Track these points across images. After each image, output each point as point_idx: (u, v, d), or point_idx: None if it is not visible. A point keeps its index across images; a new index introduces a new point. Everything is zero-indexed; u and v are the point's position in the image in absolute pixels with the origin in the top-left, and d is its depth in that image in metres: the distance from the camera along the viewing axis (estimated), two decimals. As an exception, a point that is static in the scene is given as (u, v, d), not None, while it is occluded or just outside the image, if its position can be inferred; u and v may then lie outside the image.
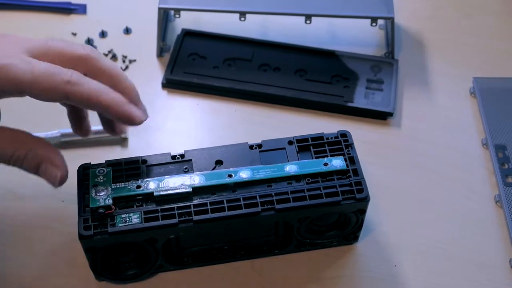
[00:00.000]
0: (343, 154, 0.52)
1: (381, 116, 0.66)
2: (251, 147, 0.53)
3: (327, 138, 0.53)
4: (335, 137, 0.53)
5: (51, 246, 0.56)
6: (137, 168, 0.51)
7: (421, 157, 0.64)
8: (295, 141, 0.53)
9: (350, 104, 0.66)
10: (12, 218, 0.57)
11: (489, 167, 0.63)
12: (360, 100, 0.66)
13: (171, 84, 0.68)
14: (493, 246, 0.57)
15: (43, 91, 0.45)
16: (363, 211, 0.52)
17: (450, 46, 0.73)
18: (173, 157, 0.52)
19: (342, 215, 0.53)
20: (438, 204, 0.60)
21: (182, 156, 0.52)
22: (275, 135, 0.64)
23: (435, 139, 0.65)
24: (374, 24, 0.69)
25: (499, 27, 0.75)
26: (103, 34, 0.73)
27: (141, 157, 0.52)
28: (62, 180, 0.47)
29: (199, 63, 0.69)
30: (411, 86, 0.69)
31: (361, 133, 0.64)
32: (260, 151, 0.53)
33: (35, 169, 0.47)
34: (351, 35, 0.74)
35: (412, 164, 0.63)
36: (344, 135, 0.54)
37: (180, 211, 0.49)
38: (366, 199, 0.50)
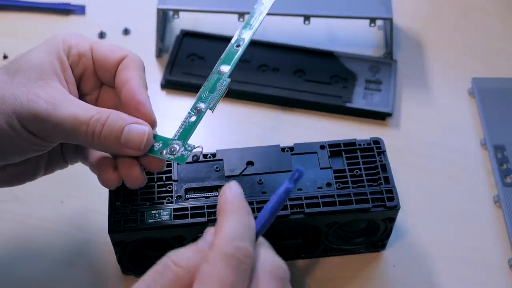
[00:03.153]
0: (375, 161, 0.52)
1: (380, 117, 0.66)
2: (282, 149, 0.53)
3: (360, 145, 0.53)
4: (368, 144, 0.53)
5: (50, 247, 0.56)
6: (168, 165, 0.52)
7: (420, 157, 0.64)
8: (327, 145, 0.53)
9: (348, 105, 0.66)
10: (11, 219, 0.57)
11: (488, 168, 0.63)
12: (358, 101, 0.67)
13: (170, 85, 0.68)
14: (492, 246, 0.57)
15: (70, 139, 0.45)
16: (392, 219, 0.52)
17: (448, 47, 0.73)
18: (205, 155, 0.53)
19: (371, 222, 0.53)
20: (437, 204, 0.60)
21: (213, 155, 0.53)
22: (274, 136, 0.64)
23: (434, 139, 0.65)
24: (372, 24, 0.69)
25: (498, 28, 0.75)
26: (102, 35, 0.73)
27: None
28: (149, 139, 0.45)
29: (198, 64, 0.69)
30: (410, 86, 0.69)
31: (360, 134, 0.64)
32: (291, 154, 0.53)
33: (118, 135, 0.44)
34: (349, 35, 0.74)
35: (410, 164, 0.63)
36: (376, 142, 0.54)
37: (209, 210, 0.49)
38: (396, 208, 0.50)
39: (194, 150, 0.45)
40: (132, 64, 0.47)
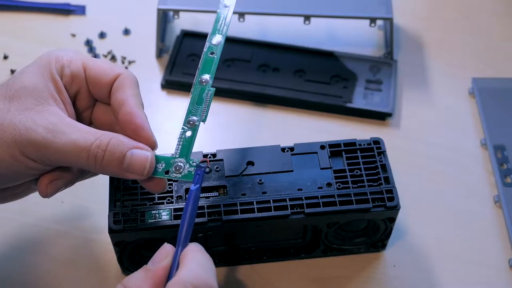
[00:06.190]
0: (375, 161, 0.52)
1: (380, 117, 0.66)
2: (283, 149, 0.53)
3: (360, 145, 0.53)
4: (368, 144, 0.53)
5: (50, 247, 0.56)
6: None
7: (420, 157, 0.64)
8: (327, 146, 0.53)
9: (349, 105, 0.66)
10: (11, 219, 0.57)
11: (488, 168, 0.63)
12: (359, 101, 0.67)
13: (170, 85, 0.68)
14: (492, 246, 0.57)
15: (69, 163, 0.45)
16: (392, 219, 0.52)
17: (449, 47, 0.73)
18: (205, 156, 0.53)
19: (371, 222, 0.53)
20: (437, 204, 0.60)
21: (214, 155, 0.53)
22: (275, 136, 0.64)
23: (434, 139, 0.65)
24: (373, 24, 0.69)
25: (498, 28, 0.75)
26: (102, 35, 0.73)
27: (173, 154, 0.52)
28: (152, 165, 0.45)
29: (198, 64, 0.69)
30: (410, 86, 0.69)
31: (360, 134, 0.64)
32: (292, 154, 0.53)
33: (120, 161, 0.44)
34: (350, 35, 0.74)
35: (411, 164, 0.63)
36: (377, 142, 0.54)
37: (210, 210, 0.49)
38: (396, 208, 0.51)
39: (201, 164, 0.46)
40: (126, 82, 0.47)
